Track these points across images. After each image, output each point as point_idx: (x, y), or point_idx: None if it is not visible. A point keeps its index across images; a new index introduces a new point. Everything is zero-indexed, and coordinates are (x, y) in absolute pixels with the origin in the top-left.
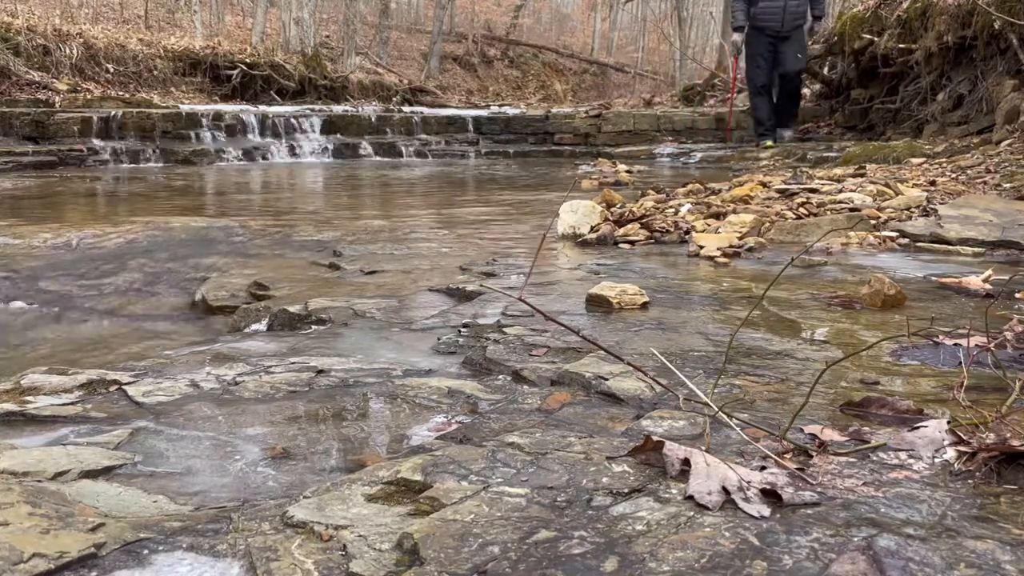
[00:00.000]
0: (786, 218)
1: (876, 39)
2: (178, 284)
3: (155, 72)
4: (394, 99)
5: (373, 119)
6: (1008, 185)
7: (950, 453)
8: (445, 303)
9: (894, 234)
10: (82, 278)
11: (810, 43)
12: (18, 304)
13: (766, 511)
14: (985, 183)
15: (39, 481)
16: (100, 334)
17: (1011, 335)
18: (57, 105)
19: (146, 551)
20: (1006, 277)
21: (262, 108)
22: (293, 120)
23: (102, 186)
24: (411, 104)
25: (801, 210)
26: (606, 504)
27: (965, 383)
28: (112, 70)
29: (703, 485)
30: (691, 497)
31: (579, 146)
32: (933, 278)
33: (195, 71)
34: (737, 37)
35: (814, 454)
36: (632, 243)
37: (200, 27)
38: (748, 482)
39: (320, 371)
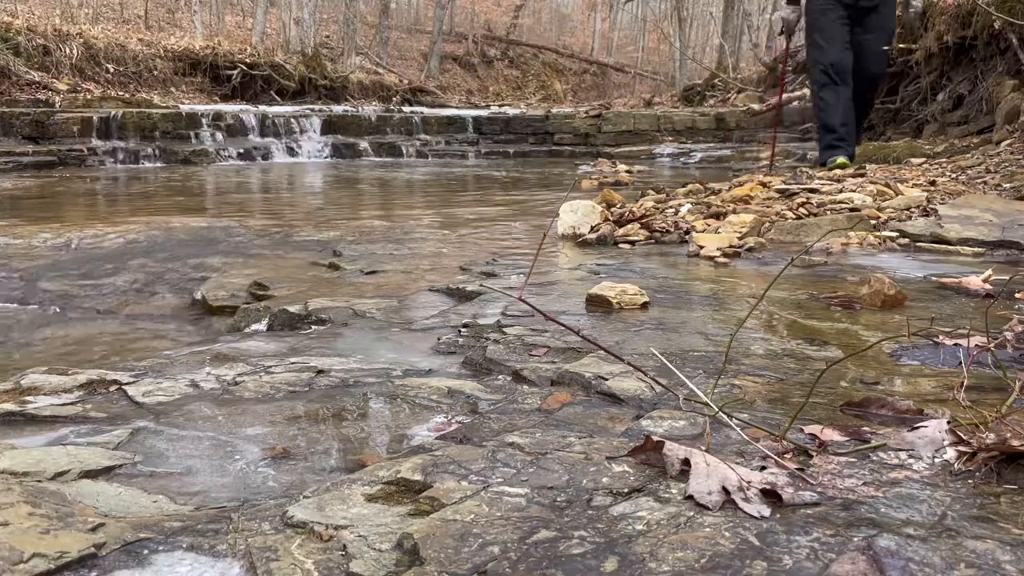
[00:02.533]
0: (786, 218)
1: None
2: (178, 284)
3: (155, 72)
4: (394, 99)
5: (373, 119)
6: (1008, 185)
7: (950, 453)
8: (445, 303)
9: (894, 234)
10: (82, 278)
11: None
12: (18, 304)
13: (766, 511)
14: (985, 183)
15: (39, 481)
16: (100, 334)
17: (1011, 335)
18: (57, 105)
19: (146, 551)
20: (1006, 277)
21: (262, 108)
22: (293, 120)
23: (102, 186)
24: (411, 104)
25: (801, 210)
26: (606, 504)
27: (965, 383)
28: (112, 70)
29: (703, 485)
30: (691, 497)
31: (579, 146)
32: (933, 278)
33: (195, 71)
34: (786, 12)
35: (814, 454)
36: (632, 243)
37: (200, 27)
38: (748, 482)
39: (320, 371)
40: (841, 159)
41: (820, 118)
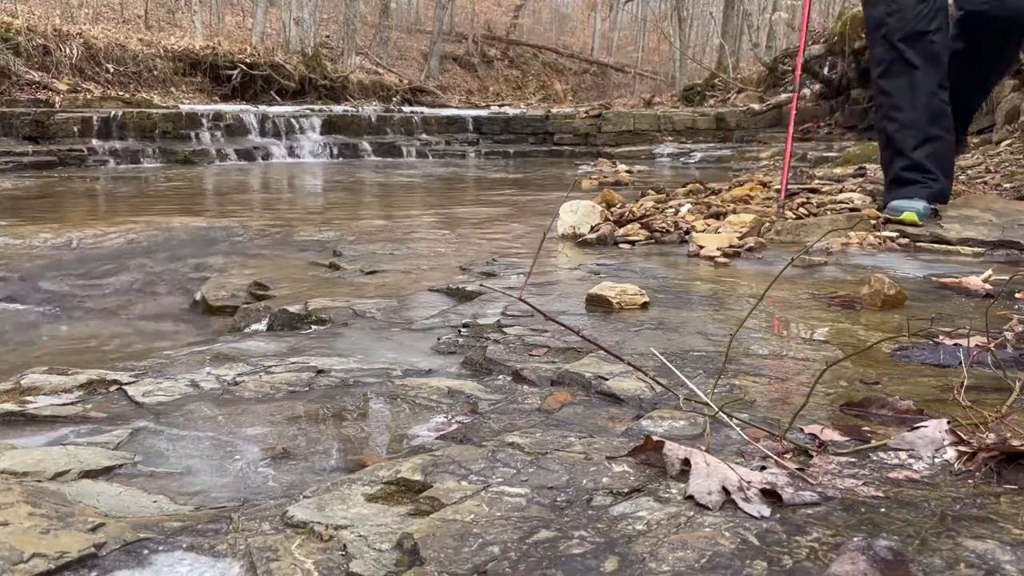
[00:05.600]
0: (786, 218)
1: None
2: (178, 284)
3: (155, 72)
4: (394, 99)
5: (373, 119)
6: (1008, 185)
7: (950, 453)
8: (445, 303)
9: (894, 234)
10: (82, 278)
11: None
12: (18, 304)
13: (766, 511)
14: (985, 183)
15: (39, 481)
16: (100, 334)
17: (1011, 335)
18: (57, 105)
19: (146, 551)
20: (1006, 277)
21: (262, 108)
22: (293, 120)
23: (102, 186)
24: (411, 104)
25: (801, 210)
26: (606, 504)
27: (965, 383)
28: (112, 70)
29: (703, 485)
30: (691, 497)
31: (579, 146)
32: (933, 278)
33: (195, 71)
34: None
35: (814, 454)
36: (632, 243)
37: (200, 27)
38: (748, 482)
39: (320, 371)
40: (909, 212)
41: (881, 128)
